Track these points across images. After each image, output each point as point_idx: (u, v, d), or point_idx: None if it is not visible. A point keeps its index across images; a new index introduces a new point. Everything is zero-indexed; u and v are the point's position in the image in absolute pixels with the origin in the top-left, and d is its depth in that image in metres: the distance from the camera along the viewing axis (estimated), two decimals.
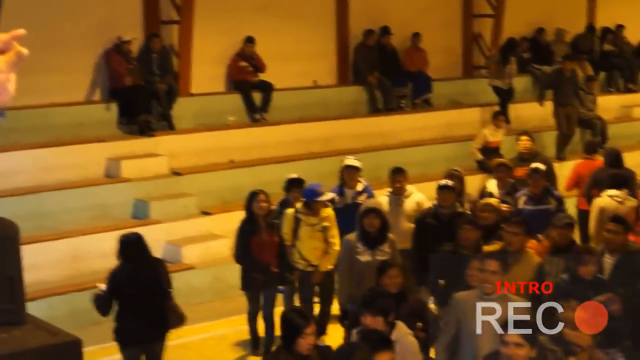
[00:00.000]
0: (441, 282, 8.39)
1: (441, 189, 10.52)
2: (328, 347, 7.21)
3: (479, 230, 9.27)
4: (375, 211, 9.33)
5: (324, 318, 10.40)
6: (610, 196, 11.43)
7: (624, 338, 6.76)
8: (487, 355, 6.52)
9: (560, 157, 16.95)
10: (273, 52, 16.02)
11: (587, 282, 8.01)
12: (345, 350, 5.90)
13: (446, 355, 7.58)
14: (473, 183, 13.48)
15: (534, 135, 14.17)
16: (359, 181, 11.30)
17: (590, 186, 12.52)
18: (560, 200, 11.24)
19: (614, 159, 12.93)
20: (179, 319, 9.02)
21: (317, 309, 10.43)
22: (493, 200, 10.50)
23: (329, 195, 10.38)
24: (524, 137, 13.65)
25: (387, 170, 11.61)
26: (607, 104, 19.35)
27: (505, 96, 17.97)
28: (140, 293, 8.66)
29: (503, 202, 11.06)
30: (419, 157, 16.28)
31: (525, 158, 12.90)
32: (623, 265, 8.77)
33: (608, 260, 8.98)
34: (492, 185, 11.72)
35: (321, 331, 9.75)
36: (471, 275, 8.06)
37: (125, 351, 8.88)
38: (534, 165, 11.51)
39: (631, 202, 11.25)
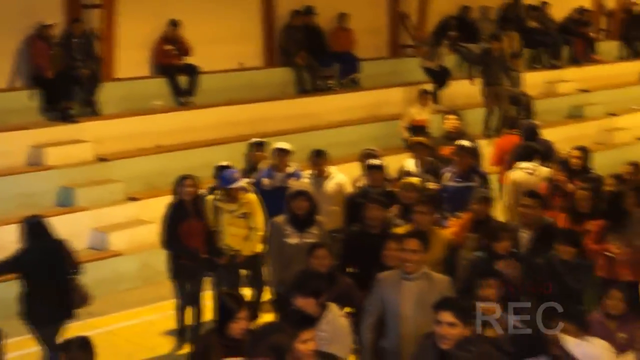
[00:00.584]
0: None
1: (370, 168, 10.54)
2: None
3: (385, 210, 9.20)
4: (303, 194, 9.28)
5: (256, 302, 10.36)
6: (521, 168, 11.62)
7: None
8: (423, 336, 6.55)
9: (488, 135, 17.08)
10: (198, 35, 15.90)
11: (502, 257, 8.09)
12: (264, 329, 5.85)
13: (371, 336, 7.57)
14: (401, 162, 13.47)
15: (461, 114, 14.27)
16: (289, 164, 11.27)
17: (511, 161, 12.66)
18: (484, 178, 11.30)
19: (530, 132, 13.19)
20: (82, 299, 9.12)
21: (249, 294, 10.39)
22: (414, 179, 10.52)
23: (242, 183, 10.22)
24: (451, 116, 13.74)
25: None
26: (532, 80, 19.55)
27: (438, 77, 18.05)
28: (45, 274, 8.81)
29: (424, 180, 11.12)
30: (348, 137, 16.29)
31: (452, 137, 12.96)
32: (539, 240, 8.86)
33: (524, 235, 9.09)
34: (410, 164, 11.69)
35: (253, 316, 9.71)
36: (388, 256, 8.12)
37: (36, 331, 8.91)
38: (460, 142, 11.58)
39: (542, 173, 11.44)
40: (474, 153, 11.87)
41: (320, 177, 10.98)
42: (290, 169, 11.22)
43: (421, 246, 7.40)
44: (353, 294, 7.98)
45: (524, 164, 11.60)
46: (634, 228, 9.23)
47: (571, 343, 6.02)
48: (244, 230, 10.21)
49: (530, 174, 11.51)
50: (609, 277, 9.07)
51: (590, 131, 19.99)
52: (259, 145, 11.79)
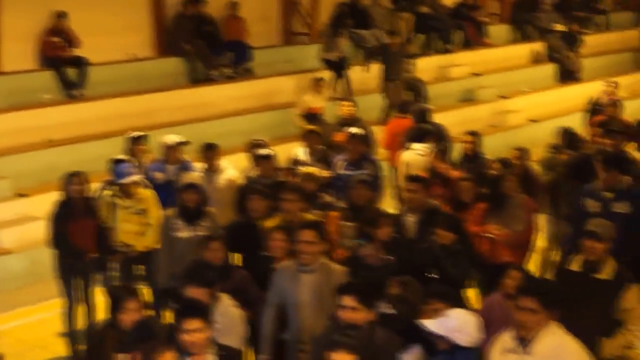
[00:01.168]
0: None
1: (259, 158, 10.49)
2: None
3: (267, 200, 9.14)
4: (193, 186, 9.22)
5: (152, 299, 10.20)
6: (413, 149, 11.86)
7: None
8: (329, 319, 6.58)
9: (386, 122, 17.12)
10: (86, 26, 15.62)
11: (384, 243, 8.11)
12: (144, 322, 5.81)
13: (270, 327, 7.55)
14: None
15: (355, 100, 14.33)
16: (181, 157, 11.12)
17: (404, 143, 12.78)
18: (377, 165, 11.33)
19: (421, 115, 13.44)
20: None
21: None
22: (312, 169, 10.52)
23: (135, 177, 10.02)
24: (346, 103, 13.83)
25: (210, 141, 11.44)
26: (425, 65, 19.73)
27: (337, 68, 18.01)
28: None
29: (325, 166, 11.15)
30: (241, 126, 16.21)
31: (346, 123, 12.98)
32: (424, 224, 8.92)
33: (410, 219, 9.14)
34: (301, 152, 11.65)
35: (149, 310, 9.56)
36: (273, 247, 8.10)
37: None
38: (352, 130, 11.58)
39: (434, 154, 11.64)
40: (366, 140, 11.92)
41: (211, 170, 10.83)
42: (181, 161, 11.05)
43: (317, 237, 7.36)
44: (248, 287, 7.92)
45: (415, 145, 11.72)
46: (512, 211, 9.32)
47: (429, 324, 6.03)
48: (138, 226, 10.00)
49: (421, 155, 11.71)
50: (488, 260, 9.15)
51: (483, 114, 20.28)
52: (139, 139, 11.53)
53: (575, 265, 7.43)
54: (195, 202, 9.13)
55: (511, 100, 21.16)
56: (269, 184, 9.92)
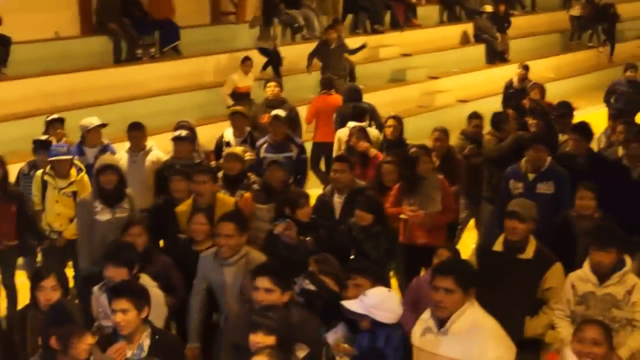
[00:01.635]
0: None
1: (175, 140, 10.29)
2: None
3: (188, 181, 8.98)
4: (111, 167, 8.96)
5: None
6: (349, 127, 11.74)
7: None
8: (246, 301, 6.57)
9: None
10: (8, 3, 15.24)
11: (304, 224, 8.07)
12: (60, 305, 5.72)
13: (199, 316, 7.51)
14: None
15: (281, 81, 14.23)
16: (101, 139, 10.80)
17: (338, 123, 12.79)
18: (301, 148, 11.19)
19: (354, 94, 13.46)
20: None
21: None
22: (238, 149, 10.40)
23: (68, 157, 9.76)
24: (271, 84, 13.65)
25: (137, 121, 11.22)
26: (354, 46, 19.65)
27: (273, 57, 17.76)
28: None
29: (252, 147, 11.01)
30: (170, 106, 16.03)
31: (271, 104, 12.87)
32: (350, 203, 8.87)
33: (338, 200, 9.11)
34: (228, 134, 11.50)
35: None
36: (194, 230, 8.00)
37: None
38: (275, 112, 11.42)
39: (371, 133, 11.61)
40: (291, 122, 11.82)
41: (136, 151, 10.53)
42: (101, 144, 10.71)
43: (237, 230, 7.24)
44: (171, 272, 7.78)
45: (352, 123, 11.69)
46: (428, 193, 9.28)
47: (348, 304, 6.01)
48: (69, 209, 9.66)
49: None
50: (406, 242, 9.17)
51: (413, 95, 20.36)
52: (55, 122, 11.24)
53: (498, 246, 7.42)
54: (113, 184, 8.89)
55: (440, 81, 21.26)
56: (185, 166, 9.74)
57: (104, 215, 8.87)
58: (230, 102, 15.85)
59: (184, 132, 10.39)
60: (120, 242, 7.47)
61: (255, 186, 9.44)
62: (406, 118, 18.31)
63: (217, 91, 16.61)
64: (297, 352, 5.47)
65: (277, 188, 9.17)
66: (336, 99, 14.04)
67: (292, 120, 12.21)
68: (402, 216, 9.21)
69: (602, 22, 25.73)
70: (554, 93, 22.32)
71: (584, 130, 9.95)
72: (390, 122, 11.61)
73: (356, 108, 12.86)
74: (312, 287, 6.53)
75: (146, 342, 5.90)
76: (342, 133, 11.85)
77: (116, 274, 6.56)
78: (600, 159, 10.04)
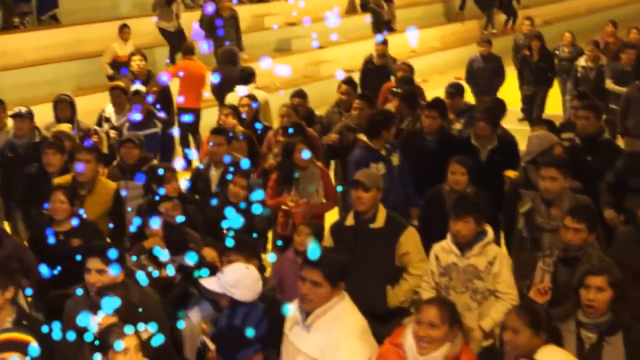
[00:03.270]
0: None
1: (15, 117, 9.89)
2: None
3: (64, 154, 8.87)
4: None
5: None
6: (237, 92, 11.91)
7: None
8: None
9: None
10: None
11: (174, 198, 7.93)
12: None
13: None
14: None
15: (146, 54, 13.90)
16: None
17: (223, 88, 12.79)
18: (167, 122, 10.89)
19: (231, 57, 13.62)
20: None
21: None
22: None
23: None
24: (136, 57, 13.27)
25: (11, 93, 10.87)
26: (240, 14, 19.42)
27: (174, 39, 17.25)
28: None
29: (117, 128, 10.69)
30: (47, 76, 15.69)
31: (139, 79, 12.58)
32: (224, 178, 8.79)
33: (214, 173, 9.00)
34: (109, 109, 11.09)
35: None
36: (52, 209, 7.72)
37: None
38: (134, 87, 11.12)
39: (259, 96, 11.68)
40: (164, 97, 11.58)
41: None
42: None
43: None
44: (23, 254, 7.59)
45: (239, 88, 11.76)
46: (304, 181, 8.96)
47: (206, 282, 5.94)
48: None
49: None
50: (288, 233, 8.73)
51: (298, 64, 20.23)
52: None
53: (349, 220, 7.37)
54: None
55: (326, 51, 21.17)
56: (24, 144, 9.58)
57: None
58: (110, 71, 15.56)
59: (24, 109, 9.90)
60: None
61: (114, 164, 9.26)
62: (291, 88, 18.45)
63: (97, 61, 16.23)
64: (141, 333, 5.33)
65: (133, 165, 8.93)
66: (199, 65, 13.99)
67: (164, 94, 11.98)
68: (283, 207, 8.87)
69: None
70: (439, 63, 22.68)
71: (440, 106, 9.88)
72: (244, 100, 11.09)
73: (244, 71, 12.82)
74: (190, 264, 6.37)
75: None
76: (232, 98, 11.77)
77: None
78: (449, 138, 9.92)
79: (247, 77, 12.52)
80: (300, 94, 11.30)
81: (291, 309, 5.56)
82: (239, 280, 5.85)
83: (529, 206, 7.63)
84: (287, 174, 8.93)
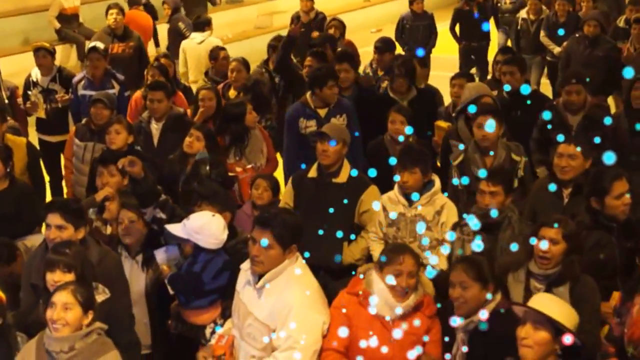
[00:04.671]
0: None
1: None
2: None
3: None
4: None
5: None
6: (192, 39, 12.20)
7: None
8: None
9: None
10: None
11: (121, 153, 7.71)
12: None
13: None
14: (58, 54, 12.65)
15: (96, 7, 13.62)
16: None
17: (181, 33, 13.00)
18: (123, 83, 10.39)
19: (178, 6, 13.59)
20: None
21: None
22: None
23: None
24: (113, 10, 12.41)
25: None
26: None
27: None
28: None
29: (47, 90, 10.23)
30: None
31: (116, 34, 12.24)
32: (167, 131, 8.69)
33: (155, 127, 8.82)
34: (35, 72, 10.50)
35: None
36: None
37: None
38: (92, 44, 10.67)
39: (212, 42, 11.70)
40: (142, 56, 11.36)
41: None
42: None
43: None
44: None
45: (196, 34, 11.87)
46: (254, 145, 8.56)
47: (172, 228, 5.94)
48: None
49: (200, 43, 12.00)
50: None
51: (251, 16, 20.02)
52: None
53: (312, 172, 7.28)
54: None
55: (279, 1, 20.88)
56: None
57: None
58: (57, 24, 15.33)
59: None
60: None
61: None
62: (244, 40, 18.29)
63: (43, 15, 15.89)
64: (96, 295, 5.26)
65: (103, 126, 8.53)
66: (144, 16, 13.96)
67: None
68: (230, 174, 8.19)
69: None
70: (393, 12, 22.41)
71: (349, 58, 9.59)
72: (163, 60, 10.61)
73: (197, 19, 12.78)
74: (163, 216, 6.38)
75: None
76: (186, 45, 11.86)
77: None
78: (366, 92, 9.64)
79: (203, 24, 12.40)
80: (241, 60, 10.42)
81: (244, 267, 5.52)
82: (203, 226, 5.85)
83: (462, 157, 7.54)
84: (239, 138, 8.47)
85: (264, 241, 5.21)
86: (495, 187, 6.35)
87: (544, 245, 5.61)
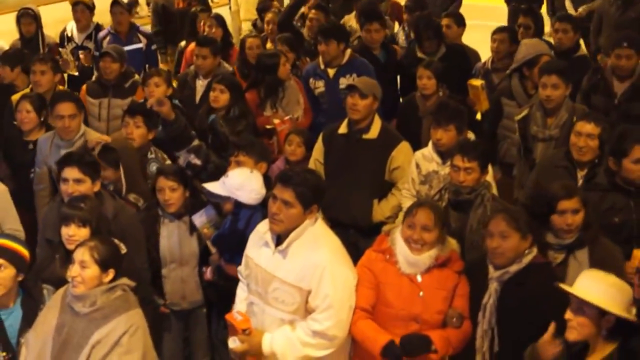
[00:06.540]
0: None
1: None
2: None
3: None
4: None
5: None
6: None
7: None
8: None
9: None
10: None
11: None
12: None
13: None
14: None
15: None
16: None
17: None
18: (150, 37, 10.33)
19: None
20: None
21: None
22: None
23: None
24: None
25: None
26: None
27: None
28: None
29: (81, 47, 10.09)
30: None
31: None
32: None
33: (200, 83, 8.69)
34: (71, 27, 10.36)
35: None
36: (20, 120, 7.46)
37: None
38: None
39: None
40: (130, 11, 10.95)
41: None
42: None
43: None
44: None
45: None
46: (290, 96, 8.35)
47: (210, 186, 5.88)
48: None
49: None
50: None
51: None
52: None
53: (343, 129, 7.13)
54: None
55: None
56: None
57: None
58: None
59: None
60: None
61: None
62: None
63: None
64: None
65: (112, 81, 8.49)
66: None
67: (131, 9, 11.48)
68: (268, 127, 8.08)
69: None
70: None
71: (377, 17, 9.28)
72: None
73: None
74: (198, 162, 6.44)
75: None
76: None
77: None
78: (394, 49, 9.51)
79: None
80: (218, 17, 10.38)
81: (258, 229, 5.37)
82: (243, 182, 5.79)
83: (526, 112, 7.26)
84: (273, 90, 8.28)
85: (286, 199, 5.07)
86: (470, 162, 5.99)
87: (568, 218, 5.39)
